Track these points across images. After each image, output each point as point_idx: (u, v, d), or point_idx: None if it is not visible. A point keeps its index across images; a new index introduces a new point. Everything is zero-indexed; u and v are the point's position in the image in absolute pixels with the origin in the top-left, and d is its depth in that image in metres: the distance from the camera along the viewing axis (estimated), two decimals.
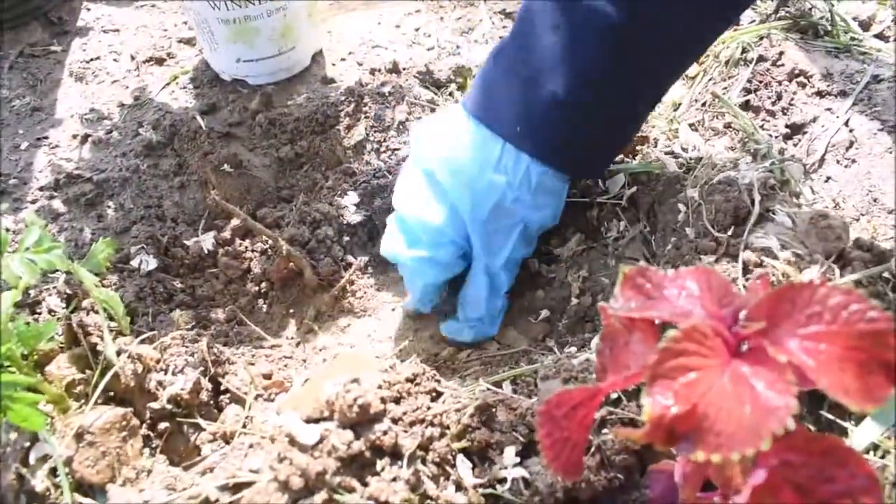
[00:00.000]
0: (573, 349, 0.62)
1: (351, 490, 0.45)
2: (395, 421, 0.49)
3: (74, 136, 0.95)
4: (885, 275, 0.59)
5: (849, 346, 0.31)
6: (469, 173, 0.65)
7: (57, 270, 0.64)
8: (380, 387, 0.51)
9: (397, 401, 0.51)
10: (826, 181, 0.76)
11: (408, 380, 0.53)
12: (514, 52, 0.65)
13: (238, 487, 0.48)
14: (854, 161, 0.77)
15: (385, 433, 0.47)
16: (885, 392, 0.30)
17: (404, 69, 0.95)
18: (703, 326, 0.32)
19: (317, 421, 0.49)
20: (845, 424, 0.52)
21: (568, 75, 0.61)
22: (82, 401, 0.62)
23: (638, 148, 0.78)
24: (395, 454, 0.48)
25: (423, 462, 0.49)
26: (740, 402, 0.30)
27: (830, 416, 0.53)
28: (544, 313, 0.74)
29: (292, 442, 0.47)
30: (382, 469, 0.47)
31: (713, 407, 0.30)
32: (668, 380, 0.31)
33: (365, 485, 0.46)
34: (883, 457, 0.51)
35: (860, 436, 0.51)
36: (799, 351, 0.32)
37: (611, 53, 0.60)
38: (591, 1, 0.59)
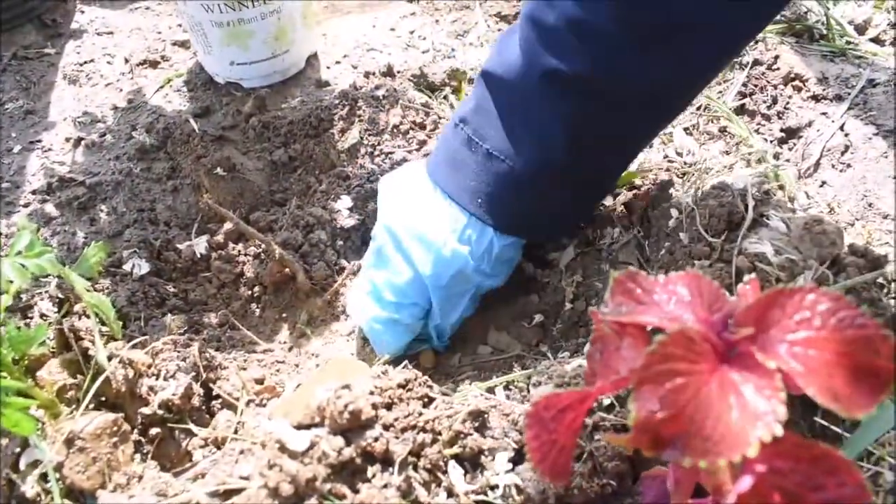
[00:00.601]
0: (566, 354, 0.61)
1: (341, 497, 0.45)
2: (386, 427, 0.49)
3: (67, 140, 0.95)
4: (881, 280, 0.59)
5: (838, 352, 0.31)
6: (433, 242, 0.66)
7: (49, 275, 0.63)
8: (371, 393, 0.50)
9: (389, 407, 0.51)
10: (821, 186, 0.76)
11: (399, 385, 0.52)
12: (475, 124, 0.65)
13: (228, 494, 0.48)
14: (849, 166, 0.77)
15: (376, 439, 0.47)
16: (875, 399, 0.30)
17: (399, 72, 0.95)
18: (690, 331, 0.32)
19: (308, 427, 0.49)
20: (839, 431, 0.52)
21: (527, 151, 0.62)
22: (73, 406, 0.62)
23: None
24: (386, 461, 0.47)
25: (415, 468, 0.48)
26: (728, 408, 0.30)
27: (824, 423, 0.52)
28: (538, 318, 0.73)
29: (282, 448, 0.47)
30: (373, 476, 0.46)
31: (700, 412, 0.30)
32: (655, 384, 0.31)
33: (356, 492, 0.46)
34: (877, 464, 0.51)
35: (854, 443, 0.51)
36: (788, 356, 0.31)
37: (569, 132, 0.60)
38: (547, 87, 0.59)
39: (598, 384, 0.35)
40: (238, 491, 0.47)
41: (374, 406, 0.49)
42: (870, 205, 0.72)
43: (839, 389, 0.30)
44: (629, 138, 0.65)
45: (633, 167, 0.77)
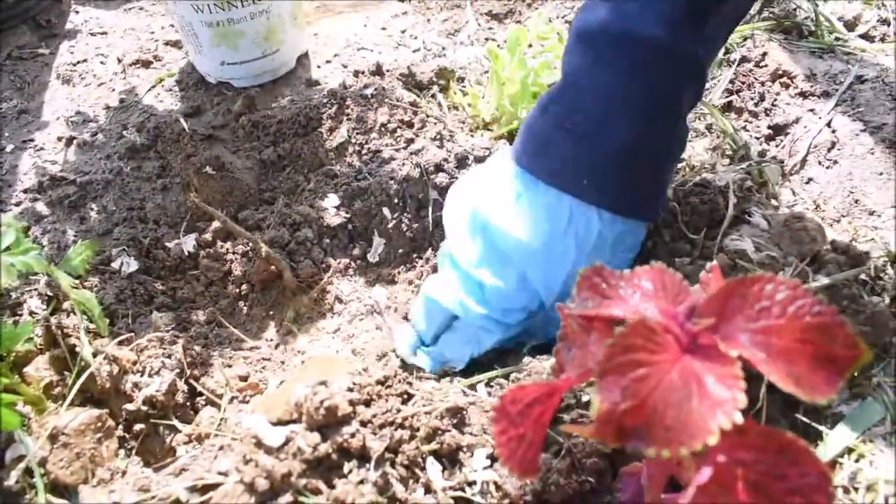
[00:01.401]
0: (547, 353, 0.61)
1: (317, 492, 0.45)
2: (364, 423, 0.49)
3: (60, 139, 0.95)
4: (864, 277, 0.59)
5: (798, 339, 0.31)
6: (538, 248, 0.61)
7: (38, 273, 0.64)
8: (350, 389, 0.50)
9: (367, 403, 0.51)
10: (807, 182, 0.76)
11: (378, 382, 0.53)
12: (568, 104, 0.60)
13: (206, 489, 0.48)
14: (836, 162, 0.76)
15: (353, 435, 0.47)
16: (835, 383, 0.31)
17: (388, 71, 0.95)
18: (650, 322, 0.32)
19: (286, 423, 0.49)
20: (821, 428, 0.52)
21: (628, 119, 0.57)
22: (60, 402, 0.62)
23: None
24: (363, 457, 0.48)
25: (392, 465, 0.48)
26: (688, 397, 0.30)
27: (806, 420, 0.52)
28: None
29: (258, 444, 0.47)
30: (350, 471, 0.46)
31: (662, 402, 0.30)
32: (617, 376, 0.31)
33: (332, 487, 0.46)
34: (857, 461, 0.51)
35: (834, 439, 0.51)
36: (750, 345, 0.32)
37: (667, 84, 0.56)
38: (638, 31, 0.55)
39: (563, 377, 0.35)
40: (216, 486, 0.48)
41: (352, 402, 0.49)
42: (856, 201, 0.72)
43: (800, 375, 0.31)
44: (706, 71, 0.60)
45: None
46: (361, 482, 0.46)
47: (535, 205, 0.61)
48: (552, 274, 0.62)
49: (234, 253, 0.80)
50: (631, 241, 0.64)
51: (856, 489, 0.49)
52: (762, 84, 0.85)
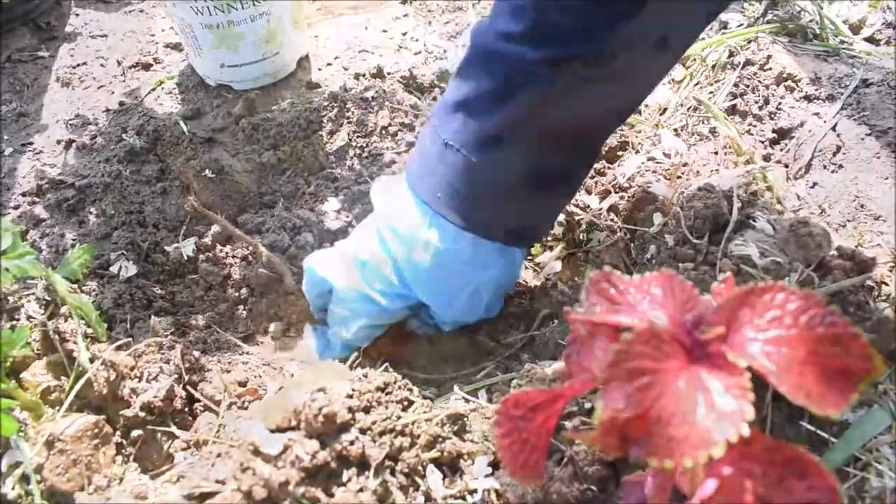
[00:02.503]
0: (549, 359, 0.61)
1: (315, 501, 0.45)
2: (363, 431, 0.48)
3: (59, 142, 0.95)
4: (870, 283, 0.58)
5: (809, 351, 0.30)
6: (406, 235, 0.65)
7: (36, 277, 0.63)
8: (349, 396, 0.50)
9: (367, 410, 0.50)
10: (812, 187, 0.75)
11: (378, 389, 0.52)
12: (439, 115, 0.63)
13: (204, 497, 0.48)
14: (841, 166, 0.76)
15: (352, 443, 0.46)
16: (846, 397, 0.30)
17: (389, 74, 0.95)
18: (657, 329, 0.31)
19: (284, 430, 0.48)
20: (826, 436, 0.51)
21: (480, 142, 0.59)
22: (57, 408, 0.61)
23: (619, 154, 0.77)
24: (362, 464, 0.47)
25: (392, 472, 0.48)
26: (694, 407, 0.29)
27: (811, 428, 0.52)
28: (524, 322, 0.73)
29: (256, 451, 0.46)
30: (349, 479, 0.46)
31: (666, 411, 0.30)
32: (622, 383, 0.30)
33: (330, 495, 0.45)
34: (864, 469, 0.50)
35: (840, 448, 0.50)
36: (760, 355, 0.31)
37: (518, 126, 0.58)
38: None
39: (568, 384, 0.35)
40: (213, 494, 0.47)
41: (351, 409, 0.48)
42: (861, 206, 0.71)
43: (811, 388, 0.30)
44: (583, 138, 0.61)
45: (628, 169, 0.76)
46: (361, 490, 0.45)
47: (410, 203, 0.66)
48: (419, 264, 0.65)
49: (233, 257, 0.79)
50: (481, 256, 0.66)
51: (862, 498, 0.48)
52: (767, 87, 0.85)
